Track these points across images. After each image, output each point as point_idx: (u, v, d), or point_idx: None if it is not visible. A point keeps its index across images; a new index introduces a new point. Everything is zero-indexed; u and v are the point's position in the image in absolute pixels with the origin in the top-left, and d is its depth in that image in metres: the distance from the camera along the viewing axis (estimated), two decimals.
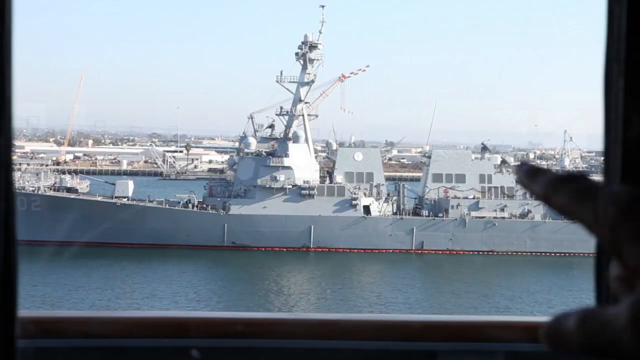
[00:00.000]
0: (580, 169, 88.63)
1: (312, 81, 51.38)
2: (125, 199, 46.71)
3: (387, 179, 52.50)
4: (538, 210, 47.65)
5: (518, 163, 0.78)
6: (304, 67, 50.77)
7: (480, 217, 47.04)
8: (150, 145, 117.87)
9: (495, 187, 48.85)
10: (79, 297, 33.02)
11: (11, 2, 0.88)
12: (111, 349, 2.10)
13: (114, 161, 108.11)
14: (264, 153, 48.21)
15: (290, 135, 49.45)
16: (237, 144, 53.02)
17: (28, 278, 32.05)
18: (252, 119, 50.61)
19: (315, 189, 46.96)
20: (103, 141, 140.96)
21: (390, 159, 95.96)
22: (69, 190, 48.03)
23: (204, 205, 47.18)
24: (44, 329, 2.05)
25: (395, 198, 48.60)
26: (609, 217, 0.67)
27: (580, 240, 44.71)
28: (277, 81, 51.32)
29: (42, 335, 2.02)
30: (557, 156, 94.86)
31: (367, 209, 47.05)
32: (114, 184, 49.57)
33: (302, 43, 50.89)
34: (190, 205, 46.96)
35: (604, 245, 0.69)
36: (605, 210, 0.67)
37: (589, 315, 0.67)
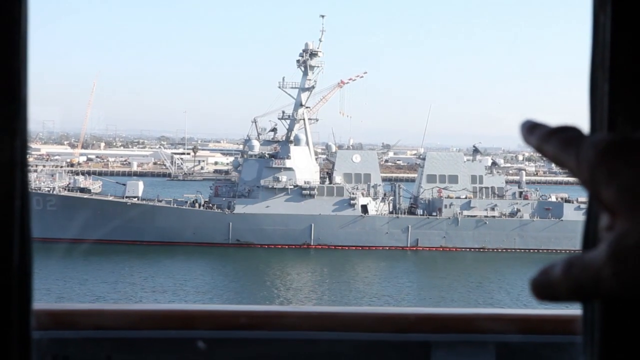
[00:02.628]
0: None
1: (313, 87, 51.44)
2: (136, 199, 46.74)
3: (384, 179, 52.52)
4: (527, 209, 47.73)
5: (523, 121, 0.79)
6: (305, 74, 50.84)
7: (472, 216, 47.07)
8: (159, 147, 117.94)
9: (486, 188, 48.88)
10: (91, 291, 33.03)
11: (27, 10, 0.88)
12: (121, 340, 2.10)
13: (124, 163, 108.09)
14: (266, 155, 48.24)
15: (291, 138, 49.50)
16: (241, 147, 52.96)
17: (43, 273, 32.09)
18: (255, 122, 50.62)
19: (315, 189, 46.98)
20: (114, 144, 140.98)
21: (386, 161, 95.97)
22: (82, 190, 48.06)
23: (210, 205, 47.19)
24: (57, 321, 2.04)
25: (391, 198, 48.64)
26: (588, 160, 0.67)
27: (566, 237, 44.79)
28: (279, 87, 51.46)
29: (56, 327, 2.02)
30: (544, 158, 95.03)
31: (364, 208, 47.06)
32: (124, 185, 49.61)
33: (303, 51, 50.99)
34: (196, 205, 46.99)
35: (586, 188, 0.69)
36: (585, 154, 0.68)
37: (574, 260, 0.67)
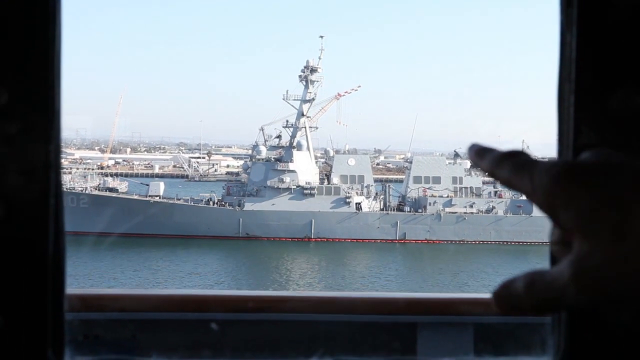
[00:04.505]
0: None
1: (313, 99, 51.44)
2: (157, 197, 46.70)
3: (376, 180, 52.45)
4: (501, 206, 47.75)
5: (470, 145, 0.75)
6: (306, 87, 50.86)
7: (453, 213, 47.07)
8: (178, 152, 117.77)
9: (466, 187, 48.88)
10: (117, 278, 33.01)
11: (60, 27, 0.88)
12: (144, 321, 2.09)
13: (147, 166, 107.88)
14: (272, 159, 48.24)
15: (294, 144, 49.48)
16: (250, 152, 52.87)
17: (74, 262, 32.04)
18: (262, 130, 50.63)
19: (315, 189, 46.97)
20: (139, 149, 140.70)
21: (378, 164, 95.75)
22: (111, 190, 47.98)
23: (223, 203, 47.15)
24: (87, 305, 2.03)
25: (382, 196, 48.61)
26: (543, 185, 0.63)
27: (535, 231, 44.78)
28: (283, 99, 51.50)
29: (86, 309, 2.01)
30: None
31: (358, 205, 47.06)
32: (147, 185, 49.54)
33: (305, 67, 51.03)
34: (211, 203, 46.96)
35: (542, 210, 0.66)
36: (540, 180, 0.64)
37: (535, 277, 0.64)
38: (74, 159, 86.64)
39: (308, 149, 50.07)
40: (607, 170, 0.62)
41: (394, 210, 48.00)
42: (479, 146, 0.73)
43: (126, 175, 71.27)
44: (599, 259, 0.59)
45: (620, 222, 0.58)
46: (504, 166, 0.68)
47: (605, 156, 0.64)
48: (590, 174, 0.62)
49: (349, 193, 47.13)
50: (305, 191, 46.72)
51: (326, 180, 48.98)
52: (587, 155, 0.66)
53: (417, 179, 48.85)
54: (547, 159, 0.67)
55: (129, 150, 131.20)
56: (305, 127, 50.80)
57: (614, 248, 0.58)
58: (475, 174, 51.63)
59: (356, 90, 58.50)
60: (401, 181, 54.55)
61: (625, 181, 0.60)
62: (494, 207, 47.66)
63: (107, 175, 56.73)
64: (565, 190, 0.62)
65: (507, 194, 49.30)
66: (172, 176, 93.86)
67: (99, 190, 47.40)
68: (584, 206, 0.60)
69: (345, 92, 56.91)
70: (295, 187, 46.70)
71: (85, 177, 51.97)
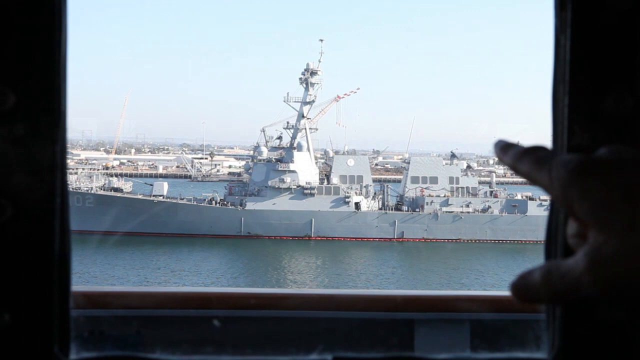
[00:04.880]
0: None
1: (313, 101, 51.42)
2: (161, 197, 46.66)
3: (374, 180, 52.45)
4: (496, 206, 47.74)
5: (496, 141, 0.77)
6: (306, 90, 50.85)
7: (449, 212, 47.06)
8: (181, 153, 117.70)
9: (462, 187, 48.86)
10: (121, 276, 33.01)
11: (66, 31, 0.89)
12: (148, 318, 2.09)
13: (151, 166, 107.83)
14: (273, 159, 48.24)
15: (295, 145, 49.46)
16: (251, 152, 52.86)
17: (80, 260, 32.04)
18: (264, 131, 50.63)
19: (315, 189, 46.96)
20: (143, 150, 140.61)
21: (376, 164, 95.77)
22: (116, 189, 47.95)
23: (225, 202, 47.13)
24: (92, 302, 2.03)
25: (380, 196, 48.61)
26: (560, 178, 0.66)
27: (529, 230, 44.79)
28: (284, 101, 51.48)
29: (91, 306, 2.01)
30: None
31: (357, 205, 47.04)
32: (151, 185, 49.52)
33: (305, 70, 51.02)
34: (213, 202, 46.94)
35: (558, 204, 0.67)
36: (557, 174, 0.66)
37: (552, 268, 0.65)
38: (80, 160, 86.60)
39: (308, 149, 50.07)
40: (621, 164, 0.64)
41: (392, 209, 47.99)
42: (504, 142, 0.75)
43: (131, 176, 71.19)
44: (613, 249, 0.60)
45: (634, 213, 0.60)
46: (525, 161, 0.71)
47: (620, 151, 0.66)
48: (605, 168, 0.64)
49: (348, 193, 47.12)
50: (306, 191, 46.72)
51: (326, 180, 48.97)
52: (603, 150, 0.68)
53: (414, 179, 48.84)
54: (563, 156, 0.68)
55: (133, 151, 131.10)
56: (305, 129, 50.80)
57: (627, 238, 0.60)
58: (472, 174, 51.65)
59: (355, 92, 58.52)
60: (399, 181, 54.55)
61: (639, 175, 0.62)
62: (489, 207, 47.66)
63: (112, 176, 56.68)
64: (581, 184, 0.63)
65: (503, 194, 49.30)
66: (175, 176, 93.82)
67: (104, 190, 47.38)
68: (598, 199, 0.62)
69: (345, 95, 56.95)
70: (295, 187, 46.70)
71: (90, 177, 51.91)
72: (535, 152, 0.71)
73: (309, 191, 46.74)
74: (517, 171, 0.73)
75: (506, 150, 0.74)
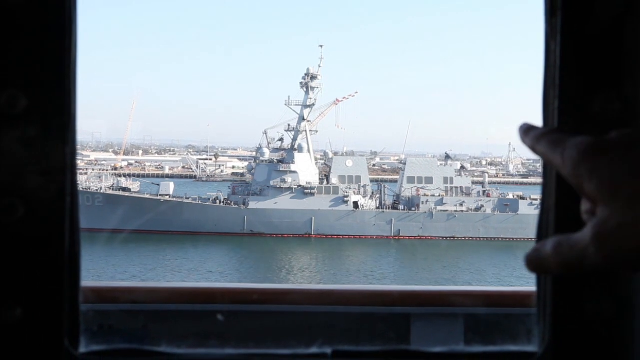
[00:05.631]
0: (522, 173, 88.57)
1: (313, 104, 51.42)
2: (167, 196, 46.66)
3: (372, 180, 52.46)
4: (489, 205, 47.75)
5: (520, 125, 0.79)
6: (307, 93, 50.84)
7: (444, 211, 47.04)
8: (187, 154, 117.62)
9: (456, 187, 48.87)
10: (128, 272, 33.00)
11: (76, 37, 0.89)
12: (154, 312, 2.09)
13: (158, 167, 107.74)
14: (275, 160, 48.23)
15: (296, 146, 49.46)
16: (254, 154, 52.90)
17: (89, 257, 32.03)
18: (266, 134, 50.66)
19: (315, 189, 46.95)
20: (150, 151, 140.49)
21: (374, 165, 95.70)
22: (124, 189, 47.95)
23: (229, 201, 47.13)
24: (101, 297, 2.03)
25: (378, 195, 48.60)
26: (571, 158, 0.68)
27: (521, 228, 44.76)
28: (285, 104, 51.47)
29: (100, 301, 2.01)
30: (503, 163, 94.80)
31: (356, 204, 47.02)
32: (158, 185, 49.53)
33: (305, 75, 51.02)
34: (217, 201, 46.92)
35: (570, 181, 0.69)
36: (569, 154, 0.68)
37: (562, 239, 0.68)
38: (89, 161, 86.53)
39: (309, 151, 50.07)
40: (629, 145, 0.66)
41: (389, 208, 47.98)
42: (527, 125, 0.78)
43: (138, 176, 71.19)
44: (617, 222, 0.63)
45: (638, 189, 0.62)
46: (542, 142, 0.74)
47: (630, 134, 0.67)
48: (613, 148, 0.66)
49: (347, 192, 47.12)
50: (306, 191, 46.71)
51: (325, 180, 48.97)
52: (614, 133, 0.69)
53: (410, 179, 48.85)
54: (575, 138, 0.70)
55: (140, 152, 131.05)
56: (306, 131, 50.79)
57: (632, 212, 0.62)
58: (465, 174, 51.68)
59: (353, 96, 58.56)
60: (396, 181, 54.52)
61: None
62: (482, 206, 47.66)
63: (120, 176, 56.69)
64: (590, 162, 0.66)
65: (495, 194, 49.31)
66: (181, 177, 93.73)
67: (112, 189, 47.37)
68: (606, 176, 0.64)
69: (344, 98, 56.99)
70: (296, 187, 46.69)
71: (100, 177, 51.92)
72: (552, 134, 0.73)
73: (309, 191, 46.72)
74: (535, 152, 0.75)
75: (528, 133, 0.76)
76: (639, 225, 0.61)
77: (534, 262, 0.71)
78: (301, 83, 51.23)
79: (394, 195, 50.24)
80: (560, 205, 0.93)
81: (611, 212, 0.63)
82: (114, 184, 49.21)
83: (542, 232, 0.91)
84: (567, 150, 0.69)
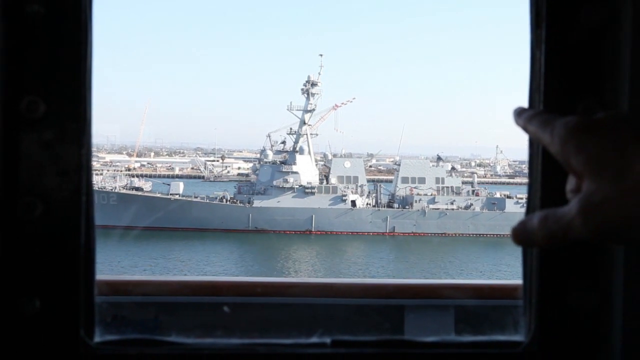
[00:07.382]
0: (508, 174, 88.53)
1: (313, 109, 51.44)
2: (177, 196, 46.65)
3: (368, 180, 52.42)
4: (478, 203, 47.75)
5: (515, 108, 0.78)
6: (308, 99, 50.87)
7: (436, 209, 47.04)
8: (196, 156, 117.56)
9: (447, 187, 48.86)
10: (140, 266, 32.99)
11: (92, 44, 0.89)
12: (165, 304, 2.09)
13: (169, 168, 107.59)
14: (278, 162, 48.25)
15: (297, 149, 49.48)
16: (258, 155, 52.88)
17: (103, 252, 32.04)
18: (269, 137, 50.67)
19: (315, 188, 46.95)
20: (161, 153, 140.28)
21: (370, 166, 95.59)
22: (137, 189, 47.91)
23: (234, 200, 47.11)
24: (114, 289, 2.03)
25: (374, 195, 48.59)
26: (560, 135, 0.67)
27: (507, 225, 44.52)
28: (287, 109, 51.56)
29: (113, 293, 2.01)
30: (491, 164, 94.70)
31: (353, 202, 47.02)
32: (169, 185, 49.50)
33: (306, 81, 51.06)
34: (224, 200, 46.91)
35: (558, 158, 0.68)
36: (558, 132, 0.68)
37: (549, 213, 0.66)
38: (104, 162, 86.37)
39: (309, 153, 50.08)
40: (614, 123, 0.65)
41: (384, 206, 47.97)
42: (520, 108, 0.77)
43: (150, 176, 71.23)
44: (603, 195, 0.62)
45: (623, 164, 0.61)
46: (533, 122, 0.73)
47: (615, 114, 0.67)
48: (599, 125, 0.65)
49: (345, 192, 47.12)
50: (307, 190, 46.72)
51: (325, 180, 48.97)
52: (600, 113, 0.69)
53: (404, 180, 48.84)
54: (563, 118, 0.70)
55: (152, 154, 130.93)
56: (306, 134, 50.80)
57: (616, 186, 0.61)
58: (455, 175, 51.71)
59: (351, 102, 58.66)
60: (391, 181, 54.52)
61: (629, 132, 0.64)
62: (471, 204, 47.66)
63: (133, 176, 56.66)
64: (578, 139, 0.65)
65: (483, 193, 49.31)
66: (190, 177, 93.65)
67: (126, 189, 47.35)
68: (592, 152, 0.64)
69: (342, 104, 57.04)
70: (298, 186, 46.69)
71: (114, 177, 51.92)
72: (542, 115, 0.73)
73: (309, 190, 46.72)
74: (527, 131, 0.74)
75: (520, 114, 0.76)
76: (624, 198, 0.60)
77: (520, 235, 0.69)
78: (302, 89, 51.28)
79: (389, 195, 50.22)
80: (545, 204, 0.93)
81: (597, 187, 0.63)
82: (127, 183, 49.20)
83: None
84: (556, 129, 0.68)
